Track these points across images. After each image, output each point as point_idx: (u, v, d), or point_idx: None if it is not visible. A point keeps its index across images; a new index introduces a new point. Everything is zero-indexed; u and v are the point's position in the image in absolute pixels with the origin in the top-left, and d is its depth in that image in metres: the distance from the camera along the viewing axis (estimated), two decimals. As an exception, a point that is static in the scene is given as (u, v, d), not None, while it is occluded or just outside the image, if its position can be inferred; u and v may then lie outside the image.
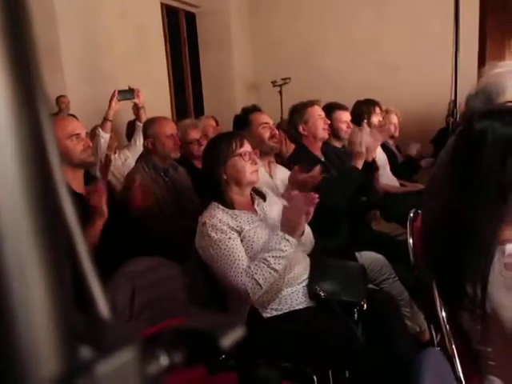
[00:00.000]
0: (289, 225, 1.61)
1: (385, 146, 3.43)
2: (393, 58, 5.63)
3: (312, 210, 1.60)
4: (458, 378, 1.12)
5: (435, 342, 1.58)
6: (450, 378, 1.14)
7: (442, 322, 1.22)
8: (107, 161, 2.96)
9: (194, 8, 6.15)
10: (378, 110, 3.37)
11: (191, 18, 6.18)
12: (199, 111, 6.13)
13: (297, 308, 1.68)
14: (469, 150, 1.05)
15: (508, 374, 1.04)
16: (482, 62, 3.58)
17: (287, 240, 1.59)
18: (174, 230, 2.21)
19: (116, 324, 0.26)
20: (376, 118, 3.32)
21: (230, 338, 0.30)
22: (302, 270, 1.75)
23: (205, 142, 2.55)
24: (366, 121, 3.19)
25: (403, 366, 1.40)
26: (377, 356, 1.57)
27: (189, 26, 6.12)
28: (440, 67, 4.62)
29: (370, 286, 1.98)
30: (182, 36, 6.01)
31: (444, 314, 1.20)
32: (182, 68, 6.00)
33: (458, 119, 3.05)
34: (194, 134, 2.87)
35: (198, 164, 2.68)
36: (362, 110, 3.31)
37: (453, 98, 4.38)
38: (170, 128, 2.50)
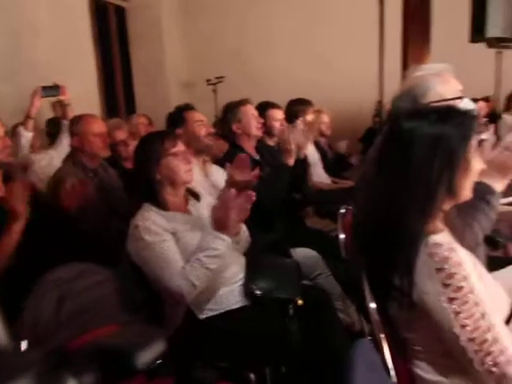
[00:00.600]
0: (218, 223, 1.60)
1: (317, 145, 3.53)
2: (322, 59, 5.80)
3: (249, 207, 1.60)
4: (386, 366, 1.17)
5: (366, 332, 1.65)
6: (380, 366, 1.19)
7: (371, 313, 1.27)
8: (27, 162, 2.77)
9: (124, 2, 5.94)
10: (310, 109, 3.45)
11: (121, 12, 5.96)
12: (131, 109, 5.94)
13: (233, 307, 1.68)
14: (397, 149, 1.09)
15: (433, 358, 1.10)
16: (405, 64, 3.78)
17: (220, 238, 1.58)
18: (105, 233, 2.12)
19: (11, 354, 0.23)
20: (309, 117, 3.40)
21: (147, 355, 0.28)
22: (237, 269, 1.75)
23: (132, 143, 2.47)
24: (301, 118, 3.26)
25: (336, 357, 1.44)
26: (312, 350, 1.61)
27: (119, 20, 5.90)
28: (367, 69, 4.84)
29: (305, 282, 2.02)
30: (111, 31, 5.79)
31: (373, 305, 1.25)
32: (111, 64, 5.78)
33: (384, 119, 3.20)
34: (120, 135, 2.78)
35: (128, 165, 2.59)
36: (295, 109, 3.38)
37: (379, 98, 4.62)
38: (98, 126, 2.39)
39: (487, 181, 1.35)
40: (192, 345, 1.63)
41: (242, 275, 1.75)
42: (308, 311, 1.70)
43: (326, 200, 2.89)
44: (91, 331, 1.24)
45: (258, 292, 1.67)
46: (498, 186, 1.37)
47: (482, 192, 1.34)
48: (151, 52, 5.96)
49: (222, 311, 1.67)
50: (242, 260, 1.80)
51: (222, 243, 1.58)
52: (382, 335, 1.23)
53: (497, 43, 3.35)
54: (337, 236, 1.95)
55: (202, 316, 1.66)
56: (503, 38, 3.28)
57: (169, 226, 1.64)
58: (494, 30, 3.18)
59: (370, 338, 1.30)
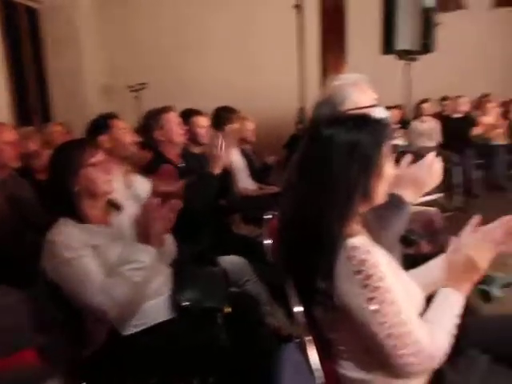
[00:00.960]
0: (145, 234, 1.55)
1: (242, 152, 3.56)
2: (246, 68, 5.89)
3: (174, 217, 1.57)
4: (311, 368, 1.20)
5: (294, 335, 1.68)
6: (307, 368, 1.21)
7: (297, 316, 1.29)
8: None
9: (36, 3, 5.61)
10: (236, 116, 3.49)
11: (33, 13, 5.62)
12: (46, 117, 5.60)
13: (159, 321, 1.63)
14: (317, 155, 1.13)
15: (356, 356, 1.14)
16: (324, 73, 3.95)
17: (145, 251, 1.53)
18: (17, 247, 1.97)
19: None
20: (235, 125, 3.43)
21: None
22: (163, 280, 1.70)
23: (45, 153, 2.33)
24: (229, 126, 3.28)
25: (264, 362, 1.45)
26: (240, 356, 1.61)
27: (30, 22, 5.55)
28: (289, 76, 5.01)
29: (233, 289, 2.02)
30: (22, 34, 5.43)
31: (299, 308, 1.28)
32: (23, 69, 5.41)
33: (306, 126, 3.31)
34: (32, 145, 2.62)
35: (40, 176, 2.44)
36: (222, 117, 3.40)
37: (301, 105, 4.78)
38: (8, 134, 2.24)
39: (400, 192, 1.45)
40: (117, 363, 1.56)
41: (167, 287, 1.70)
42: (236, 318, 1.70)
43: (252, 206, 2.91)
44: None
45: (185, 303, 1.64)
46: (410, 198, 1.47)
47: (396, 201, 1.43)
48: (68, 56, 5.68)
49: (148, 326, 1.61)
50: (168, 271, 1.76)
51: (146, 255, 1.53)
52: (309, 337, 1.25)
53: (405, 55, 3.60)
54: (262, 241, 1.97)
55: (127, 332, 1.59)
56: (411, 51, 3.54)
57: (88, 241, 1.55)
58: (402, 43, 3.42)
59: (297, 340, 1.32)
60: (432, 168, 1.47)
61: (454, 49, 6.12)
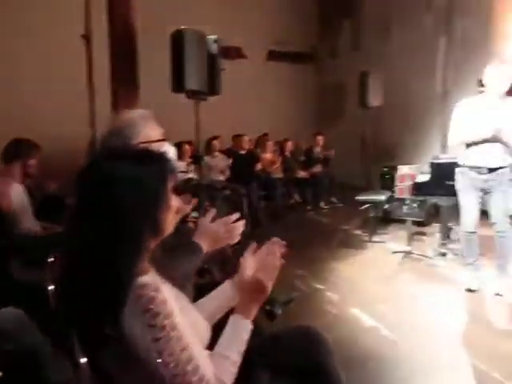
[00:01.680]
0: None
1: (25, 188, 3.16)
2: (31, 97, 5.43)
3: None
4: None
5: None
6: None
7: (82, 367, 1.18)
8: None
9: None
10: (36, 151, 3.15)
11: None
12: None
13: None
14: (101, 192, 1.05)
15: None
16: (115, 106, 3.88)
17: None
18: None
19: None
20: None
21: None
22: None
23: None
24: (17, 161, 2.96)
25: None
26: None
27: None
28: (79, 108, 4.77)
29: (8, 347, 1.74)
30: None
31: (84, 359, 1.17)
32: None
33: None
34: None
35: None
36: (20, 150, 3.05)
37: (92, 137, 4.56)
38: None
39: (198, 241, 1.56)
40: None
41: None
42: (13, 380, 1.46)
43: (35, 247, 2.60)
44: None
45: None
46: (205, 247, 1.57)
47: (193, 248, 1.54)
48: None
49: None
50: None
51: None
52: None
53: (194, 95, 3.81)
54: (46, 287, 1.76)
55: None
56: (199, 91, 3.77)
57: None
58: (191, 83, 3.61)
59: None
60: (231, 230, 1.60)
61: (238, 92, 6.83)
